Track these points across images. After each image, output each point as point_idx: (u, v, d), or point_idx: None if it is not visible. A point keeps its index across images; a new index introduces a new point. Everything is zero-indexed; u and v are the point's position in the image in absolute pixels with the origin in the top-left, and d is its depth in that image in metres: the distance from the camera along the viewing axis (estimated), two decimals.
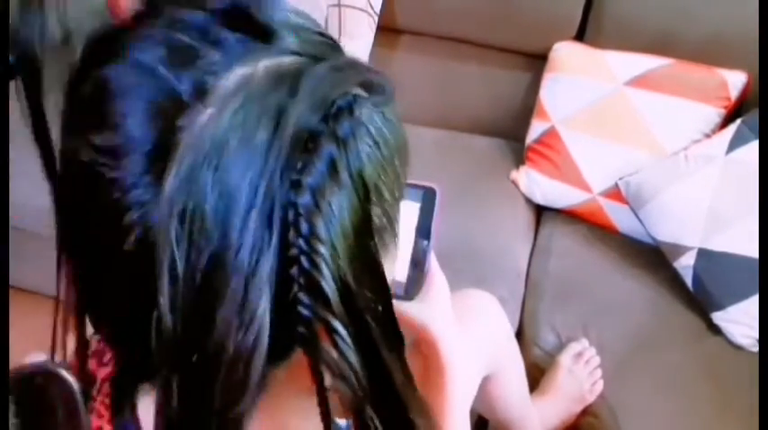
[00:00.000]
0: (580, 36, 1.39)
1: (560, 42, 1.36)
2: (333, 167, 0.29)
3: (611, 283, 1.17)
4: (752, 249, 1.06)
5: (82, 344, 0.39)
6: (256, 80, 0.29)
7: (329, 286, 0.29)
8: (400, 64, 1.51)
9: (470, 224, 1.21)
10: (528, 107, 1.39)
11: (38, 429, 0.38)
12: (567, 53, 1.33)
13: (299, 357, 0.31)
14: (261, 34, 0.31)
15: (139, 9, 0.32)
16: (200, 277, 0.28)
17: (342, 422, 0.52)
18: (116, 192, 0.28)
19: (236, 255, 0.27)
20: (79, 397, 0.39)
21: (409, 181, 0.37)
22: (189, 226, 0.27)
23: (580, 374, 1.07)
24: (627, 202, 1.22)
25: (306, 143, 0.28)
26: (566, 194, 1.29)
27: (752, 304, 1.05)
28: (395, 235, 0.36)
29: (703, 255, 1.09)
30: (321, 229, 0.28)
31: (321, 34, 0.34)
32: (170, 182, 0.27)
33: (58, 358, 0.39)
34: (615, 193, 1.24)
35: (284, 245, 0.28)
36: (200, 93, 0.28)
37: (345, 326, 0.30)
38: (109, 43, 0.31)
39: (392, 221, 0.35)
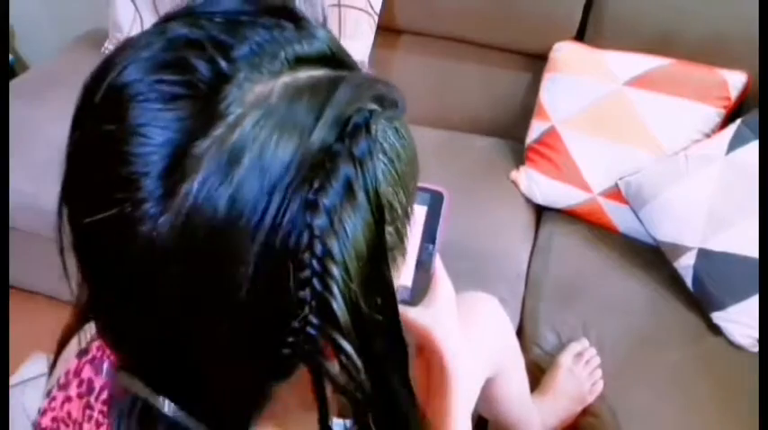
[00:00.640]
0: (580, 36, 1.39)
1: (560, 42, 1.36)
2: (349, 188, 0.28)
3: (611, 283, 1.17)
4: (752, 249, 1.06)
5: (65, 338, 0.39)
6: (275, 97, 0.28)
7: (340, 308, 0.29)
8: (400, 64, 1.51)
9: (470, 224, 1.21)
10: (528, 107, 1.39)
11: None
12: (567, 53, 1.33)
13: (303, 370, 0.31)
14: (295, 21, 0.31)
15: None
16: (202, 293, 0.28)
17: (340, 422, 0.52)
18: (127, 206, 0.28)
19: (243, 270, 0.27)
20: None
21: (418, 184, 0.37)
22: (196, 241, 0.27)
23: (580, 374, 1.07)
24: (627, 202, 1.22)
25: (323, 163, 0.28)
26: (566, 194, 1.29)
27: (752, 304, 1.05)
28: (404, 250, 0.36)
29: (703, 255, 1.09)
30: (335, 251, 0.28)
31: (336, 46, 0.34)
32: (180, 199, 0.27)
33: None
34: (615, 193, 1.24)
35: (297, 265, 0.28)
36: (218, 108, 0.28)
37: (353, 346, 0.29)
38: (125, 55, 0.30)
39: (403, 237, 0.35)
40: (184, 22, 0.30)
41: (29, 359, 1.29)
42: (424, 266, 0.53)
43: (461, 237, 1.17)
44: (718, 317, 1.09)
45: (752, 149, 1.11)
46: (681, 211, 1.13)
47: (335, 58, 0.33)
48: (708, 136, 1.21)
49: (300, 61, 0.30)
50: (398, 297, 0.34)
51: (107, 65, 0.30)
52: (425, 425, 0.35)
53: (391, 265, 0.33)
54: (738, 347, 1.07)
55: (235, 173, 0.26)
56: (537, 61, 1.41)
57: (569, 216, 1.30)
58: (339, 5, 1.37)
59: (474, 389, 0.80)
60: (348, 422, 0.51)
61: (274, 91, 0.28)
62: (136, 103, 0.28)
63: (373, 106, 0.31)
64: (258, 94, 0.28)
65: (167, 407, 0.31)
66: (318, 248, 0.28)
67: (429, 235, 0.53)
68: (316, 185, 0.27)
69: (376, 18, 1.41)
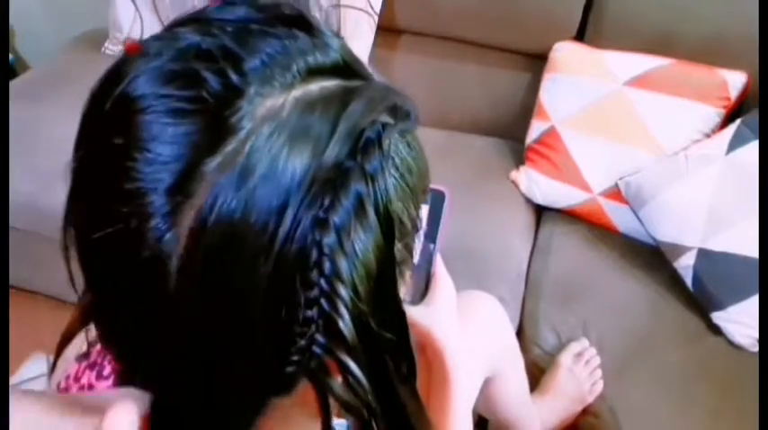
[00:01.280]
0: (580, 36, 1.39)
1: (560, 42, 1.36)
2: (360, 205, 0.28)
3: (611, 283, 1.17)
4: (752, 249, 1.06)
5: (66, 339, 0.38)
6: (286, 111, 0.28)
7: (347, 328, 0.28)
8: (400, 64, 1.51)
9: (470, 224, 1.21)
10: (528, 107, 1.39)
11: None
12: (567, 53, 1.33)
13: (306, 384, 0.31)
14: (308, 30, 0.30)
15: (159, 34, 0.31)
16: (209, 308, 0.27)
17: (342, 422, 0.52)
18: (133, 222, 0.27)
19: (251, 288, 0.27)
20: None
21: None
22: (204, 258, 0.26)
23: (580, 374, 1.07)
24: (627, 202, 1.22)
25: (334, 179, 0.27)
26: (566, 194, 1.29)
27: (752, 304, 1.05)
28: (412, 264, 0.36)
29: (703, 255, 1.09)
30: (344, 270, 0.28)
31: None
32: (189, 216, 0.26)
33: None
34: (615, 193, 1.24)
35: (304, 284, 0.27)
36: (229, 123, 0.27)
37: (360, 364, 0.29)
38: (135, 64, 0.29)
39: (411, 252, 0.35)
40: (196, 30, 0.29)
41: (29, 359, 1.29)
42: (425, 265, 0.53)
43: (461, 236, 1.17)
44: (718, 317, 1.09)
45: (752, 149, 1.11)
46: (681, 211, 1.13)
47: (348, 68, 0.32)
48: (708, 136, 1.21)
49: (313, 72, 0.30)
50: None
51: (116, 73, 0.29)
52: None
53: (399, 280, 0.33)
54: (738, 347, 1.07)
55: (245, 190, 0.26)
56: (537, 61, 1.41)
57: (569, 216, 1.30)
58: (339, 5, 1.37)
59: (473, 387, 0.80)
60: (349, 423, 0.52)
61: (286, 105, 0.28)
62: (144, 116, 0.27)
63: (386, 118, 0.30)
64: (269, 108, 0.28)
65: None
66: (327, 267, 0.27)
67: (430, 234, 0.53)
68: (326, 203, 0.27)
69: (376, 18, 1.41)
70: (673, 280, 1.15)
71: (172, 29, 0.30)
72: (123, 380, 0.33)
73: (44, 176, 1.22)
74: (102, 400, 0.30)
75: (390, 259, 0.30)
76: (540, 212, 1.35)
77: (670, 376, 1.04)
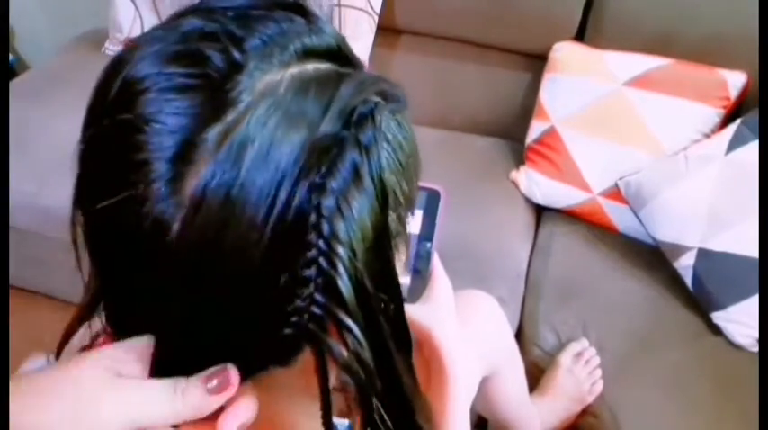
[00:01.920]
0: (580, 36, 1.39)
1: (560, 42, 1.36)
2: (356, 172, 0.29)
3: (611, 283, 1.18)
4: (752, 249, 1.06)
5: (69, 334, 0.39)
6: (283, 87, 0.29)
7: (345, 286, 0.29)
8: (400, 64, 1.51)
9: (470, 224, 1.21)
10: (528, 107, 1.39)
11: None
12: (566, 53, 1.34)
13: (309, 359, 0.31)
14: (305, 15, 0.32)
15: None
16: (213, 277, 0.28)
17: (344, 421, 0.52)
18: (139, 188, 0.28)
19: (251, 252, 0.28)
20: None
21: None
22: (205, 224, 0.27)
23: (580, 374, 1.07)
24: (627, 202, 1.22)
25: (330, 148, 0.29)
26: (566, 194, 1.29)
27: (752, 304, 1.05)
28: (406, 239, 0.37)
29: (703, 255, 1.09)
30: (341, 231, 0.29)
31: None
32: (190, 182, 0.28)
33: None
34: (615, 193, 1.24)
35: (303, 246, 0.28)
36: (229, 96, 0.28)
37: (359, 325, 0.30)
38: (138, 50, 0.31)
39: (405, 226, 0.36)
40: (199, 16, 0.31)
41: (28, 359, 1.29)
42: (422, 264, 0.53)
43: (461, 236, 1.17)
44: (717, 316, 1.09)
45: (752, 149, 1.11)
46: (681, 211, 1.13)
47: (342, 54, 0.34)
48: (707, 136, 1.21)
49: (309, 54, 0.31)
50: None
51: (120, 61, 0.31)
52: (428, 411, 0.36)
53: (394, 253, 0.33)
54: (738, 347, 1.07)
55: (244, 158, 0.27)
56: (537, 61, 1.41)
57: (569, 216, 1.30)
58: (339, 5, 1.37)
59: (472, 386, 0.80)
60: (350, 422, 0.52)
61: (283, 81, 0.29)
62: (149, 94, 0.29)
63: (377, 99, 0.32)
64: (267, 83, 0.29)
65: None
66: (325, 228, 0.28)
67: (426, 233, 0.53)
68: (323, 169, 0.28)
69: (376, 18, 1.41)
70: (673, 280, 1.15)
71: (173, 20, 0.32)
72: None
73: (44, 176, 1.22)
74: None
75: (385, 224, 0.31)
76: (540, 212, 1.35)
77: (670, 376, 1.04)
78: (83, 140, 0.31)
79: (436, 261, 0.55)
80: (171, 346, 0.32)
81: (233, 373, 0.31)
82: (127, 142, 0.28)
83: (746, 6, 1.19)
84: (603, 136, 1.25)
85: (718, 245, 1.09)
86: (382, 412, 0.32)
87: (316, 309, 0.29)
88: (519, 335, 1.13)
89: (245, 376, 0.32)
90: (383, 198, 0.31)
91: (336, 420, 0.34)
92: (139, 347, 0.32)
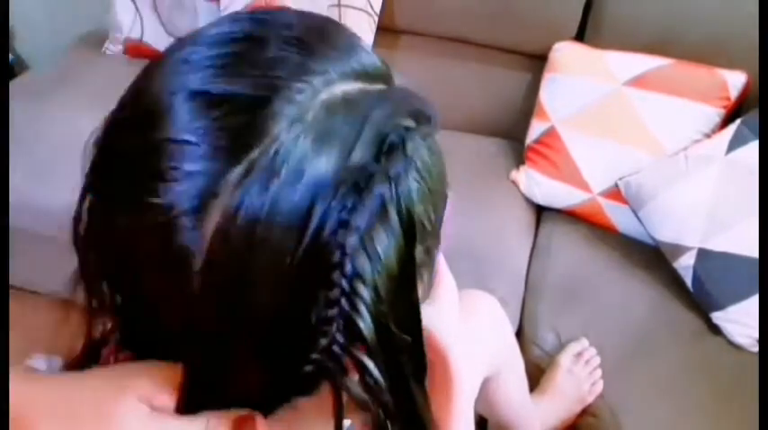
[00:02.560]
0: (580, 36, 1.39)
1: (560, 42, 1.36)
2: (383, 208, 0.29)
3: (610, 283, 1.17)
4: (752, 249, 1.06)
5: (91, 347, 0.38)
6: (313, 113, 0.28)
7: (367, 328, 0.29)
8: (400, 64, 1.51)
9: (470, 224, 1.21)
10: (528, 107, 1.39)
11: None
12: (566, 53, 1.33)
13: (326, 386, 0.31)
14: (336, 42, 0.32)
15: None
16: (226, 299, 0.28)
17: (346, 422, 0.52)
18: (160, 216, 0.27)
19: (275, 284, 0.27)
20: None
21: None
22: (231, 254, 0.27)
23: (580, 374, 1.07)
24: (627, 202, 1.22)
25: (358, 182, 0.28)
26: (566, 194, 1.29)
27: (752, 304, 1.05)
28: (432, 267, 0.36)
29: (703, 255, 1.09)
30: (366, 271, 0.28)
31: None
32: (215, 216, 0.27)
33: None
34: (615, 193, 1.24)
35: (326, 284, 0.28)
36: (259, 122, 0.28)
37: (378, 365, 0.29)
38: (177, 60, 0.30)
39: (432, 255, 0.35)
40: (244, 40, 0.30)
41: (28, 359, 1.29)
42: None
43: (461, 237, 1.17)
44: (717, 317, 1.09)
45: (752, 149, 1.11)
46: (681, 211, 1.13)
47: (374, 73, 0.33)
48: (708, 136, 1.21)
49: (341, 76, 0.30)
50: None
51: (158, 68, 0.30)
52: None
53: (418, 283, 0.33)
54: (738, 347, 1.07)
55: (270, 191, 0.26)
56: (537, 61, 1.41)
57: (569, 216, 1.30)
58: (339, 5, 1.36)
59: (474, 386, 0.80)
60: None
61: (311, 108, 0.28)
62: (179, 114, 0.28)
63: (409, 122, 0.31)
64: (296, 111, 0.28)
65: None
66: (348, 268, 0.28)
67: None
68: (349, 205, 0.27)
69: (376, 18, 1.41)
70: (672, 280, 1.15)
71: (218, 30, 0.31)
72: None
73: (44, 176, 1.22)
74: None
75: (411, 261, 0.30)
76: (540, 212, 1.35)
77: (670, 376, 1.04)
78: (104, 145, 0.30)
79: (441, 261, 0.55)
80: (198, 376, 0.31)
81: (260, 423, 0.30)
82: (151, 163, 0.28)
83: (746, 6, 1.19)
84: (603, 136, 1.25)
85: (718, 245, 1.09)
86: None
87: (336, 349, 0.29)
88: (519, 335, 1.13)
89: (268, 408, 0.32)
90: (410, 233, 0.30)
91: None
92: (167, 375, 0.31)
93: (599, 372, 1.08)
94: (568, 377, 1.08)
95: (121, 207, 0.29)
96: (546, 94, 1.33)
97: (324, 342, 0.29)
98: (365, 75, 0.32)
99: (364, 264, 0.28)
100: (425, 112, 0.33)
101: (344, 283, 0.28)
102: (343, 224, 0.27)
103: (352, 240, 0.27)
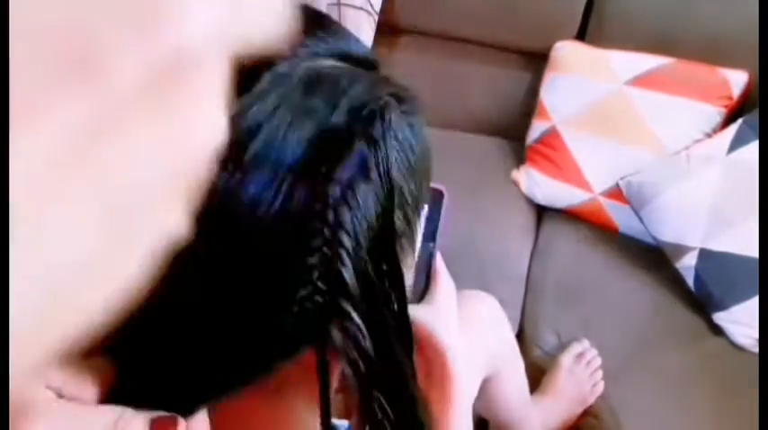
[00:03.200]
0: (581, 35, 1.39)
1: (561, 42, 1.35)
2: (363, 164, 0.29)
3: (611, 284, 1.17)
4: (753, 249, 1.06)
5: None
6: (294, 81, 0.29)
7: (349, 275, 0.29)
8: (401, 63, 1.51)
9: (470, 224, 1.21)
10: (529, 107, 1.39)
11: None
12: (568, 52, 1.33)
13: (313, 360, 0.31)
14: (328, 28, 0.32)
15: None
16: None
17: (344, 423, 0.52)
18: None
19: (257, 240, 0.27)
20: None
21: None
22: (209, 201, 0.27)
23: (581, 375, 1.07)
24: (628, 202, 1.22)
25: (339, 140, 0.29)
26: (566, 194, 1.28)
27: (753, 304, 1.05)
28: (413, 241, 0.36)
29: (704, 255, 1.09)
30: (347, 221, 0.28)
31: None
32: None
33: None
34: (616, 193, 1.23)
35: (308, 234, 0.28)
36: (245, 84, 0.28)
37: (361, 315, 0.30)
38: None
39: (412, 228, 0.35)
40: None
41: None
42: (424, 265, 0.53)
43: (462, 237, 1.17)
44: (719, 317, 1.08)
45: (753, 149, 1.10)
46: (682, 211, 1.13)
47: (360, 59, 0.34)
48: (709, 135, 1.21)
49: (326, 52, 0.32)
50: None
51: None
52: (429, 413, 0.35)
53: (401, 254, 0.33)
54: (740, 348, 1.07)
55: (251, 146, 0.27)
56: (538, 61, 1.41)
57: (570, 216, 1.30)
58: (339, 4, 1.36)
59: (473, 386, 0.80)
60: (350, 423, 0.51)
61: (294, 75, 0.29)
62: None
63: (389, 99, 0.32)
64: (278, 75, 0.29)
65: None
66: (330, 217, 0.28)
67: (429, 233, 0.53)
68: (331, 159, 0.28)
69: (376, 18, 1.41)
70: (674, 280, 1.14)
71: None
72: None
73: None
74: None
75: (390, 217, 0.31)
76: (541, 212, 1.34)
77: (671, 377, 1.04)
78: None
79: (439, 261, 0.55)
80: (162, 337, 0.31)
81: (181, 424, 0.29)
82: None
83: (747, 6, 1.19)
84: (604, 135, 1.25)
85: (719, 245, 1.08)
86: (383, 403, 0.32)
87: (318, 297, 0.29)
88: (519, 336, 1.12)
89: (251, 380, 0.31)
90: (389, 193, 0.30)
91: (336, 421, 0.33)
92: (92, 365, 0.29)
93: (600, 373, 1.07)
94: (569, 378, 1.07)
95: None
96: (547, 94, 1.33)
97: (304, 292, 0.29)
98: (351, 59, 0.33)
99: (345, 214, 0.28)
100: (408, 97, 0.34)
101: (326, 232, 0.28)
102: (325, 176, 0.28)
103: (333, 191, 0.28)
